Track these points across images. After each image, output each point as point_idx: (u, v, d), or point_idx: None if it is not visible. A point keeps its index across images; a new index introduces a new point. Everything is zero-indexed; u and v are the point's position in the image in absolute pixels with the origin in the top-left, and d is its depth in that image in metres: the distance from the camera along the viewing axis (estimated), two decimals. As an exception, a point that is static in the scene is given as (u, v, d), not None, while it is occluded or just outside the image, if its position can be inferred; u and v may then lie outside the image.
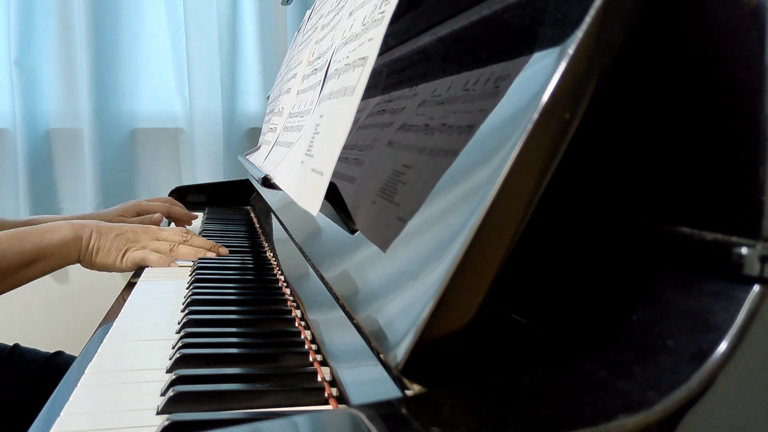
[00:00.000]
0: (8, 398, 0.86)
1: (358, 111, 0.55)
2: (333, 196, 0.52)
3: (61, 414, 0.40)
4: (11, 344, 0.97)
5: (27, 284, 0.83)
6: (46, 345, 1.01)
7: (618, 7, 0.26)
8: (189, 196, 1.46)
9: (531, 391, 0.26)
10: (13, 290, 0.83)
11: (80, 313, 1.69)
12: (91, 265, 0.85)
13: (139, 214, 1.17)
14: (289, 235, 0.75)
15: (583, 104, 0.27)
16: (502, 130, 0.29)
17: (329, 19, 0.71)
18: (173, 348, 0.50)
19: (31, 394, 0.87)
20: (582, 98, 0.26)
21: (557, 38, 0.28)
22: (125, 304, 0.66)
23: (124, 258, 0.85)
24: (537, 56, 0.30)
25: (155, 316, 0.63)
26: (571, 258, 0.35)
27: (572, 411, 0.24)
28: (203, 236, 1.01)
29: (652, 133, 0.30)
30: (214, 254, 0.87)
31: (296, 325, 0.56)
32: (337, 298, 0.45)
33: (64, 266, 0.84)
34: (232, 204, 1.48)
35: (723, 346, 0.24)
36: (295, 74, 0.88)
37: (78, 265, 0.85)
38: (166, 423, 0.36)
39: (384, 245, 0.37)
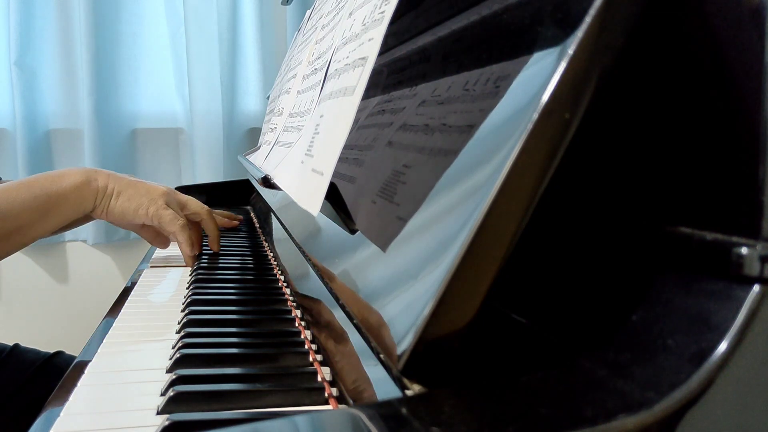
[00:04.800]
0: (8, 398, 0.86)
1: (358, 111, 0.55)
2: (333, 196, 0.52)
3: (61, 414, 0.40)
4: (11, 344, 0.97)
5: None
6: (46, 345, 1.01)
7: (618, 7, 0.26)
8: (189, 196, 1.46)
9: (531, 391, 0.26)
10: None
11: (80, 313, 1.69)
12: (107, 212, 0.80)
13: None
14: (289, 235, 0.75)
15: (583, 104, 0.27)
16: (502, 130, 0.29)
17: (329, 19, 0.71)
18: (173, 348, 0.50)
19: (31, 394, 0.87)
20: (582, 98, 0.26)
21: (557, 38, 0.28)
22: (126, 304, 0.66)
23: (150, 210, 0.80)
24: (537, 56, 0.30)
25: (155, 315, 0.63)
26: (571, 258, 0.35)
27: (572, 411, 0.24)
28: (203, 236, 1.01)
29: (652, 133, 0.30)
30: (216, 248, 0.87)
31: (296, 325, 0.56)
32: (337, 298, 0.45)
33: (79, 215, 0.79)
34: (232, 204, 1.48)
35: (723, 346, 0.24)
36: (295, 74, 0.88)
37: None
38: (166, 423, 0.36)
39: (384, 245, 0.37)
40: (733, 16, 0.26)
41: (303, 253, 0.63)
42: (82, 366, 0.48)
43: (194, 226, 0.87)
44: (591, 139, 0.32)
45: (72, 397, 0.42)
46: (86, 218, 0.84)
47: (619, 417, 0.23)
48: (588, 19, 0.26)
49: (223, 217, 1.08)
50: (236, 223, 1.10)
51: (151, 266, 0.86)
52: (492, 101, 0.32)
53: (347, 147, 0.55)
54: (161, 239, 0.89)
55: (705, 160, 0.27)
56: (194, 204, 0.87)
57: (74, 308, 1.71)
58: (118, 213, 0.81)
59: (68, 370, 0.48)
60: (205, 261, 0.84)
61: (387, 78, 0.56)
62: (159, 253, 0.94)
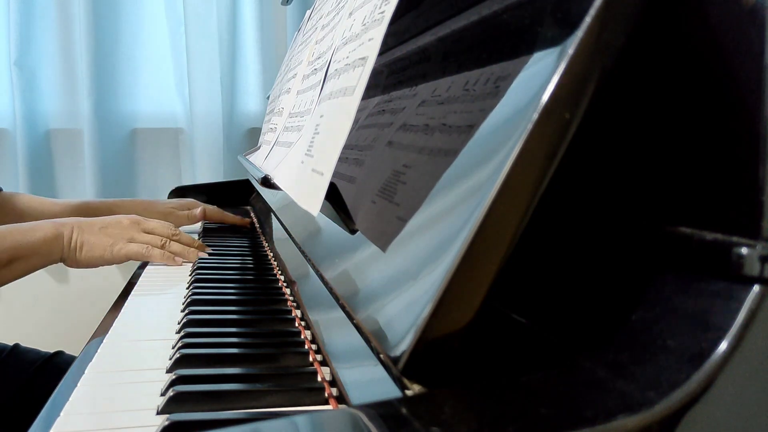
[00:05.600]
0: (8, 398, 0.86)
1: (358, 111, 0.56)
2: (333, 196, 0.52)
3: (61, 414, 0.40)
4: (11, 344, 0.97)
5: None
6: (46, 345, 1.01)
7: (618, 7, 0.26)
8: (189, 196, 1.46)
9: (531, 391, 0.26)
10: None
11: (80, 313, 1.69)
12: (76, 262, 0.84)
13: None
14: (289, 235, 0.75)
15: (583, 104, 0.27)
16: (502, 130, 0.29)
17: (329, 19, 0.71)
18: (173, 348, 0.50)
19: (31, 394, 0.87)
20: (582, 98, 0.26)
21: (557, 38, 0.28)
22: (125, 304, 0.66)
23: (114, 251, 0.83)
24: (537, 56, 0.30)
25: (155, 316, 0.63)
26: (571, 258, 0.35)
27: (572, 411, 0.24)
28: (203, 236, 1.01)
29: (652, 133, 0.30)
30: (204, 254, 0.87)
31: (296, 325, 0.56)
32: (337, 298, 0.45)
33: (46, 265, 0.83)
34: (232, 204, 1.48)
35: (723, 346, 0.24)
36: (295, 74, 0.88)
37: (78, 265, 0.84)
38: (166, 423, 0.36)
39: (384, 245, 0.37)
40: (733, 16, 0.26)
41: (303, 253, 0.63)
42: (82, 365, 0.48)
43: (174, 242, 0.87)
44: (591, 139, 0.32)
45: (72, 397, 0.42)
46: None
47: (619, 417, 0.23)
48: (588, 19, 0.26)
49: (218, 213, 1.10)
50: (247, 221, 1.11)
51: (152, 265, 0.86)
52: (492, 101, 0.32)
53: (347, 147, 0.55)
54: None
55: (705, 160, 0.27)
56: (159, 230, 0.88)
57: (74, 308, 1.71)
58: (86, 262, 0.84)
59: (69, 369, 0.48)
60: (205, 261, 0.84)
61: (387, 78, 0.56)
62: None
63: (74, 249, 0.82)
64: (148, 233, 0.86)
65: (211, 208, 1.11)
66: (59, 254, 0.82)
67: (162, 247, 0.85)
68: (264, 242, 0.99)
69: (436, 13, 0.48)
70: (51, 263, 0.83)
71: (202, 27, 1.64)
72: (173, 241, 0.86)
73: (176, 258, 0.84)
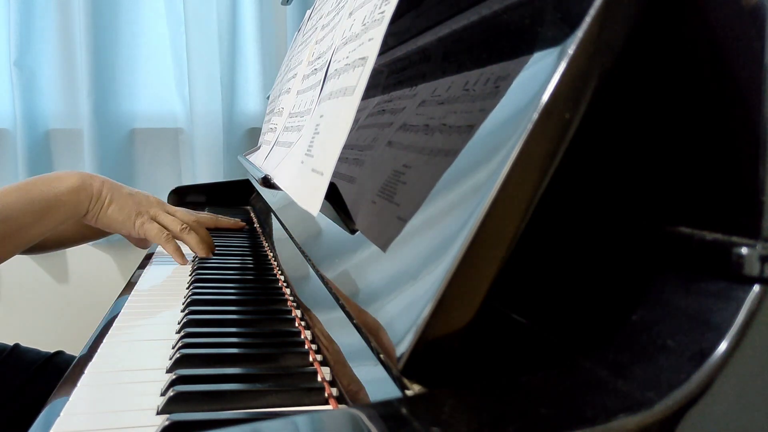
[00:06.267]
0: (8, 398, 0.86)
1: (358, 111, 0.56)
2: (333, 196, 0.52)
3: (61, 414, 0.40)
4: (11, 344, 0.97)
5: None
6: (46, 345, 1.01)
7: (618, 7, 0.26)
8: (189, 196, 1.46)
9: (531, 391, 0.26)
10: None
11: (80, 313, 1.69)
12: (97, 218, 0.81)
13: None
14: (289, 235, 0.75)
15: (584, 104, 0.27)
16: (502, 130, 0.29)
17: (329, 19, 0.71)
18: (173, 348, 0.50)
19: (31, 394, 0.87)
20: (582, 98, 0.26)
21: (557, 38, 0.28)
22: (125, 304, 0.66)
23: (137, 223, 0.82)
24: (537, 56, 0.30)
25: (155, 315, 0.63)
26: (571, 258, 0.35)
27: (572, 411, 0.24)
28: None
29: (652, 133, 0.30)
30: (211, 254, 0.87)
31: (296, 325, 0.56)
32: (337, 298, 0.45)
33: (74, 218, 0.80)
34: (232, 204, 1.48)
35: (723, 346, 0.24)
36: (295, 74, 0.88)
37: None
38: (166, 423, 0.36)
39: (384, 245, 0.37)
40: (733, 16, 0.26)
41: (303, 253, 0.63)
42: (82, 365, 0.48)
43: (193, 232, 0.87)
44: (591, 139, 0.32)
45: (72, 397, 0.42)
46: (81, 236, 0.84)
47: (619, 417, 0.24)
48: (588, 19, 0.26)
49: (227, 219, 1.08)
50: (242, 225, 1.10)
51: (152, 264, 0.86)
52: (492, 101, 0.32)
53: (347, 147, 0.55)
54: (144, 243, 0.91)
55: (705, 160, 0.27)
56: (183, 216, 0.87)
57: (74, 308, 1.71)
58: (107, 221, 0.83)
59: (69, 369, 0.48)
60: (206, 261, 0.84)
61: (387, 78, 0.56)
62: (162, 249, 0.94)
63: (102, 203, 0.81)
64: (172, 215, 0.85)
65: (204, 217, 1.08)
66: (86, 205, 0.80)
67: (181, 231, 0.84)
68: (264, 242, 0.99)
69: (436, 13, 0.48)
70: (77, 216, 0.80)
71: (202, 27, 1.64)
72: (193, 230, 0.85)
73: (185, 258, 0.84)
